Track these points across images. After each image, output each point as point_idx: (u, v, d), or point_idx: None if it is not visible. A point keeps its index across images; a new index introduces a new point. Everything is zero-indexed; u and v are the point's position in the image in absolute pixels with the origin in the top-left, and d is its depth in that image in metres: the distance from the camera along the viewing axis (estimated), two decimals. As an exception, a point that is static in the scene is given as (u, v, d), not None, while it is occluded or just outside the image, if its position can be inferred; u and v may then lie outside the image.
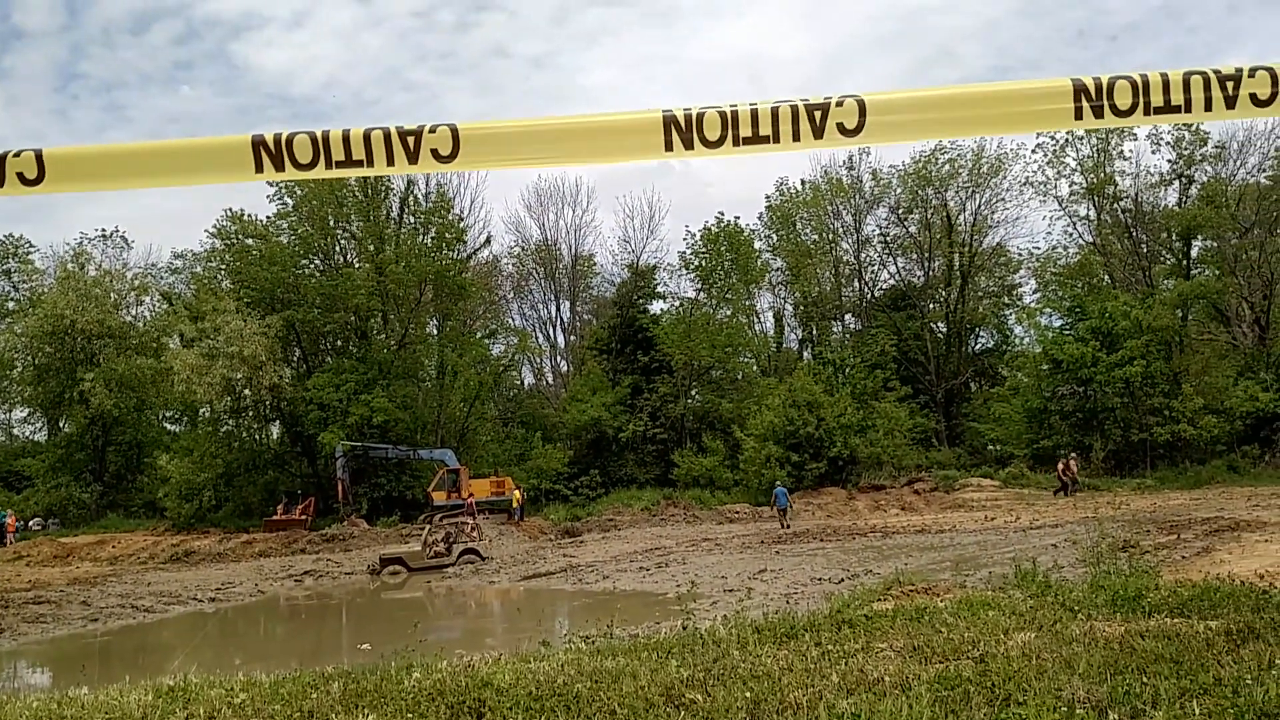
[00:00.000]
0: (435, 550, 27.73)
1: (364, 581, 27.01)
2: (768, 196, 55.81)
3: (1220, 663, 5.87)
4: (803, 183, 55.66)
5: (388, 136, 3.99)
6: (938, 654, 6.80)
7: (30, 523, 43.97)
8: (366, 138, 4.01)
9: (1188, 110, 4.04)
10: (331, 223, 44.06)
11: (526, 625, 17.55)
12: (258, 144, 4.04)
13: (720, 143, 3.87)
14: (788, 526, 32.22)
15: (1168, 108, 4.01)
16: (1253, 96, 4.00)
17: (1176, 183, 45.89)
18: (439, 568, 27.01)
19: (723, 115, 3.88)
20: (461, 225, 47.28)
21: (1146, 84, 3.99)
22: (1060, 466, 36.66)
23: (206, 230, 45.51)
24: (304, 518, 37.95)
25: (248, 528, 38.29)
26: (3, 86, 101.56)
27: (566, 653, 8.27)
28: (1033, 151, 47.96)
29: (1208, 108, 4.01)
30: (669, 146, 3.86)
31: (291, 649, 19.52)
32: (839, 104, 3.87)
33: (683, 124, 3.85)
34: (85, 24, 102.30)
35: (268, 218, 43.55)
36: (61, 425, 50.15)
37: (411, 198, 45.92)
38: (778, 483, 35.46)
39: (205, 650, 18.57)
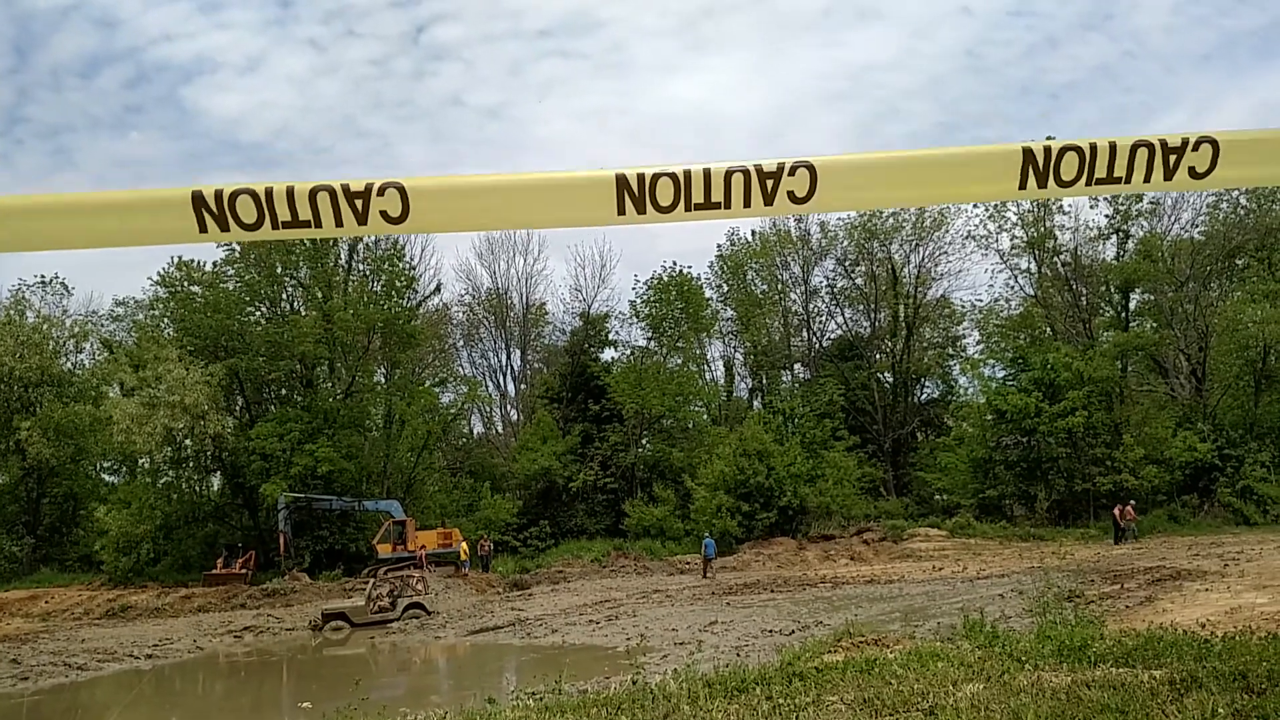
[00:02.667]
0: (379, 605, 27.23)
1: (306, 637, 26.42)
2: (719, 246, 56.47)
3: (1165, 712, 5.92)
4: (753, 233, 56.41)
5: (333, 196, 3.96)
6: (888, 707, 6.79)
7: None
8: (313, 197, 3.97)
9: (1128, 181, 4.16)
10: (279, 270, 43.60)
11: (472, 682, 17.27)
12: (199, 202, 3.96)
13: (672, 208, 3.91)
14: (710, 577, 33.01)
15: (1110, 179, 4.13)
16: (1191, 170, 4.14)
17: (1114, 237, 47.08)
18: (383, 623, 26.50)
19: (675, 179, 3.92)
20: (411, 273, 47.08)
21: (1094, 152, 4.11)
22: (1117, 512, 35.80)
23: (149, 278, 44.85)
24: (244, 571, 37.04)
25: (187, 582, 37.25)
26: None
27: (513, 710, 8.14)
28: (974, 206, 49.00)
29: (1146, 179, 4.14)
30: (621, 210, 3.90)
31: (230, 708, 19.00)
32: (790, 172, 3.94)
33: (635, 189, 3.89)
34: (33, 67, 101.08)
35: (214, 264, 43.00)
36: (-6, 476, 48.68)
37: (361, 244, 45.64)
38: (708, 534, 36.38)
39: (140, 710, 18.00)
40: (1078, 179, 4.13)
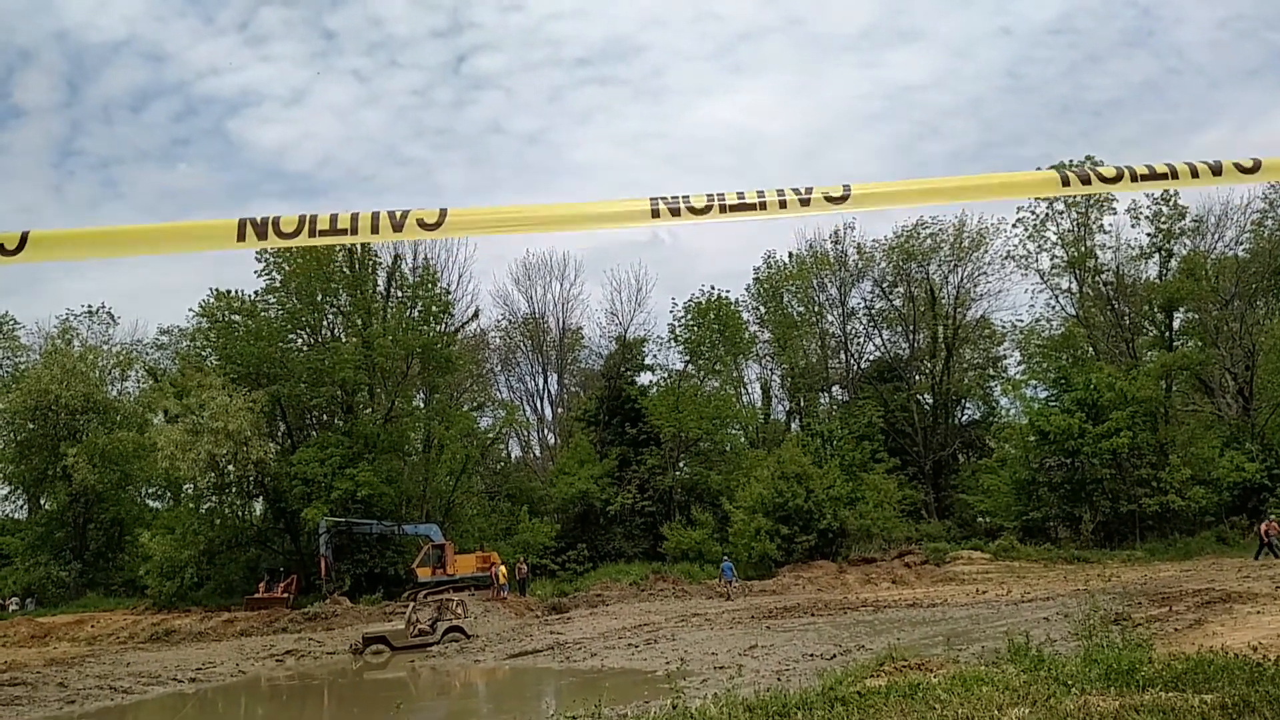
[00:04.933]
0: (419, 629, 27.28)
1: (346, 661, 26.51)
2: (755, 269, 56.51)
3: (1218, 738, 5.78)
4: (790, 255, 56.35)
5: (375, 215, 4.02)
6: (932, 732, 6.68)
7: (8, 602, 43.13)
8: (354, 217, 4.04)
9: (1174, 177, 4.11)
10: (319, 298, 44.11)
11: (512, 705, 17.23)
12: (243, 224, 4.05)
13: (707, 210, 3.92)
14: (729, 598, 34.08)
15: (1153, 176, 4.08)
16: (1237, 165, 4.08)
17: (1156, 255, 46.51)
18: (423, 646, 26.53)
19: (709, 196, 3.94)
20: (447, 298, 47.50)
21: (1133, 173, 4.08)
22: (1263, 527, 34.10)
23: (191, 309, 45.58)
24: (286, 595, 37.32)
25: (229, 606, 37.60)
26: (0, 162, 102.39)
27: (553, 733, 8.10)
28: (1013, 226, 48.61)
29: (1194, 175, 4.08)
30: (655, 214, 3.90)
31: (272, 731, 19.11)
32: (827, 198, 3.94)
33: (668, 204, 3.91)
34: (85, 100, 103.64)
35: (255, 293, 43.60)
36: (42, 503, 49.46)
37: (399, 272, 46.13)
38: (725, 557, 37.69)
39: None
40: (1120, 176, 4.07)
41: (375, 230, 4.06)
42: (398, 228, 4.04)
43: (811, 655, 19.09)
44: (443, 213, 3.97)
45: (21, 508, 52.91)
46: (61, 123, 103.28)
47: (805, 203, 3.95)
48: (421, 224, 4.01)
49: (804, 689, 9.76)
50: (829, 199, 3.97)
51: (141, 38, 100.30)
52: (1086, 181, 4.12)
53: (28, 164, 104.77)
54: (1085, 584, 28.55)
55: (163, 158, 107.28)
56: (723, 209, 3.90)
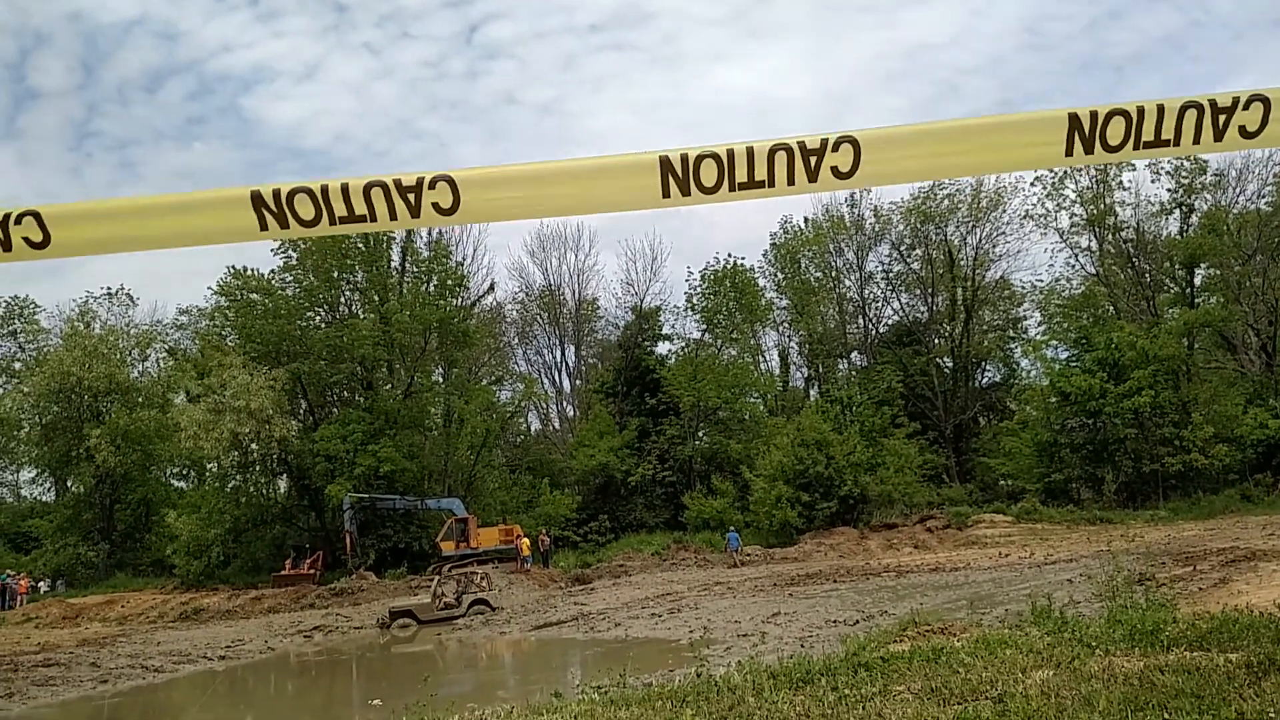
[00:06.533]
0: (445, 602, 27.51)
1: (374, 635, 26.78)
2: (772, 235, 56.22)
3: (1243, 696, 5.75)
4: (806, 220, 55.99)
5: (387, 191, 4.01)
6: (956, 695, 6.68)
7: (39, 584, 43.75)
8: (367, 193, 4.03)
9: (1176, 144, 4.04)
10: (336, 275, 44.23)
11: (538, 676, 17.37)
12: (258, 201, 4.04)
13: (716, 189, 3.88)
14: (737, 565, 35.38)
15: (1157, 142, 4.02)
16: (1241, 129, 4.01)
17: (1177, 211, 45.94)
18: (449, 619, 26.78)
19: (718, 159, 3.89)
20: (462, 272, 47.53)
21: (1141, 115, 4.00)
22: None
23: (210, 287, 45.79)
24: (312, 572, 37.70)
25: (256, 583, 38.03)
26: (17, 146, 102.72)
27: (579, 704, 8.16)
28: (1031, 184, 48.09)
29: (1196, 140, 4.01)
30: (666, 193, 3.88)
31: (302, 706, 19.35)
32: (834, 148, 3.89)
33: (679, 170, 3.87)
34: (101, 82, 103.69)
35: (272, 272, 43.77)
36: (69, 485, 50.03)
37: (413, 247, 46.15)
38: (731, 527, 39.08)
39: (216, 709, 18.41)
40: (1125, 142, 4.01)
41: (394, 217, 4.07)
42: (415, 213, 4.04)
43: (834, 622, 19.15)
44: (456, 194, 3.96)
45: (49, 490, 53.59)
46: (78, 105, 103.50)
47: (813, 178, 3.91)
48: (438, 208, 4.01)
49: (827, 655, 9.77)
50: (836, 174, 3.93)
51: (154, 17, 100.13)
52: (1090, 149, 4.06)
53: (45, 147, 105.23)
54: (1108, 545, 28.38)
55: (179, 137, 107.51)
56: (732, 187, 3.87)
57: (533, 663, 21.10)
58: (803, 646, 15.07)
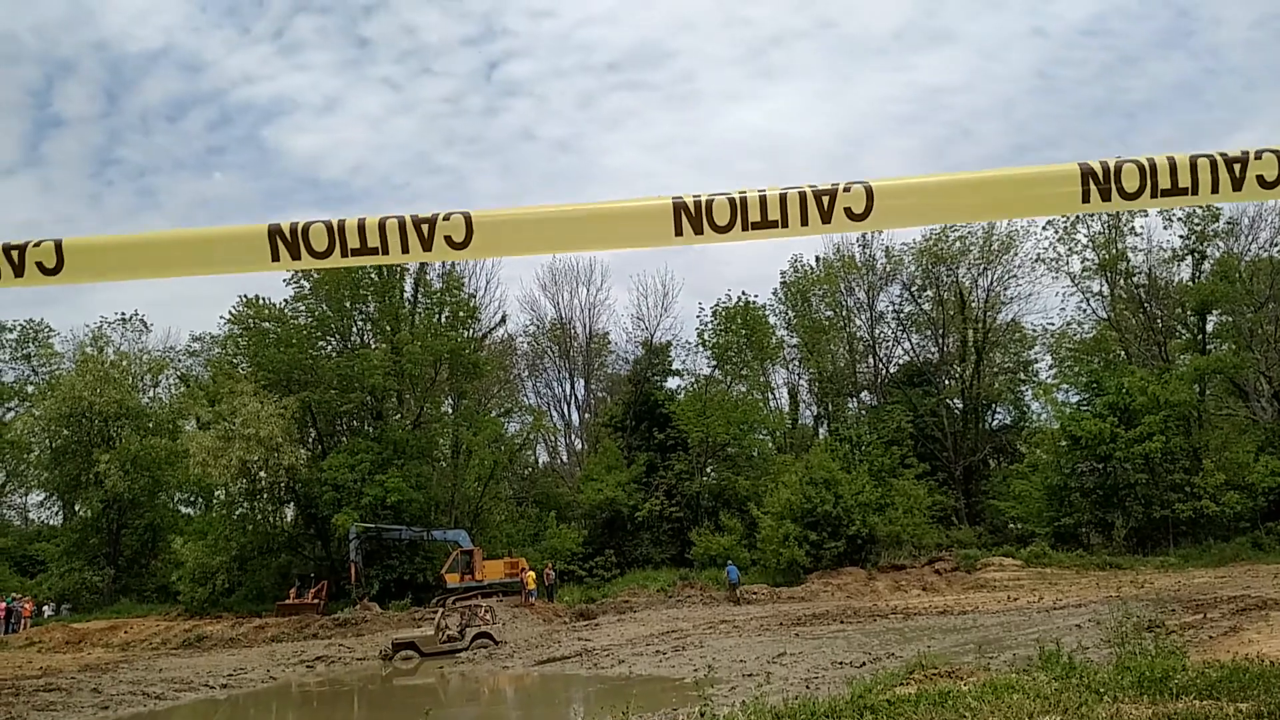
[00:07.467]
0: (448, 634, 27.39)
1: (376, 667, 26.66)
2: (782, 273, 56.30)
3: (1254, 750, 5.69)
4: (817, 259, 56.10)
5: (402, 225, 4.06)
6: (962, 742, 6.62)
7: (43, 608, 43.68)
8: (381, 226, 4.08)
9: (1194, 193, 4.06)
10: (348, 304, 44.49)
11: (540, 712, 17.27)
12: (274, 233, 4.10)
13: (729, 228, 3.93)
14: (737, 601, 35.26)
15: (1175, 190, 4.04)
16: (1259, 179, 4.03)
17: (1189, 258, 45.91)
18: (452, 652, 26.65)
19: (732, 202, 3.94)
20: (474, 304, 47.76)
21: (1154, 168, 4.03)
22: None
23: (222, 315, 46.05)
24: (316, 601, 37.60)
25: (260, 612, 37.92)
26: (39, 173, 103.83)
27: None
28: (1043, 228, 48.07)
29: (1214, 190, 4.04)
30: (679, 232, 3.92)
31: (302, 737, 19.23)
32: (846, 190, 3.92)
33: (692, 210, 3.92)
34: (124, 110, 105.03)
35: (284, 301, 44.06)
36: (77, 509, 50.09)
37: (425, 278, 46.41)
38: (730, 562, 38.91)
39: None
40: (1140, 191, 4.04)
41: (405, 250, 4.11)
42: (427, 246, 4.09)
43: (841, 663, 19.00)
44: (469, 229, 4.00)
45: (57, 514, 53.67)
46: (100, 132, 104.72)
47: (827, 219, 3.95)
48: (450, 241, 4.06)
49: (833, 697, 9.70)
50: (850, 215, 3.96)
51: (179, 47, 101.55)
52: (1106, 196, 4.08)
53: (66, 174, 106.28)
54: (1118, 590, 28.25)
55: (198, 166, 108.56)
56: (745, 226, 3.91)
57: (535, 698, 20.98)
58: (808, 688, 14.96)
